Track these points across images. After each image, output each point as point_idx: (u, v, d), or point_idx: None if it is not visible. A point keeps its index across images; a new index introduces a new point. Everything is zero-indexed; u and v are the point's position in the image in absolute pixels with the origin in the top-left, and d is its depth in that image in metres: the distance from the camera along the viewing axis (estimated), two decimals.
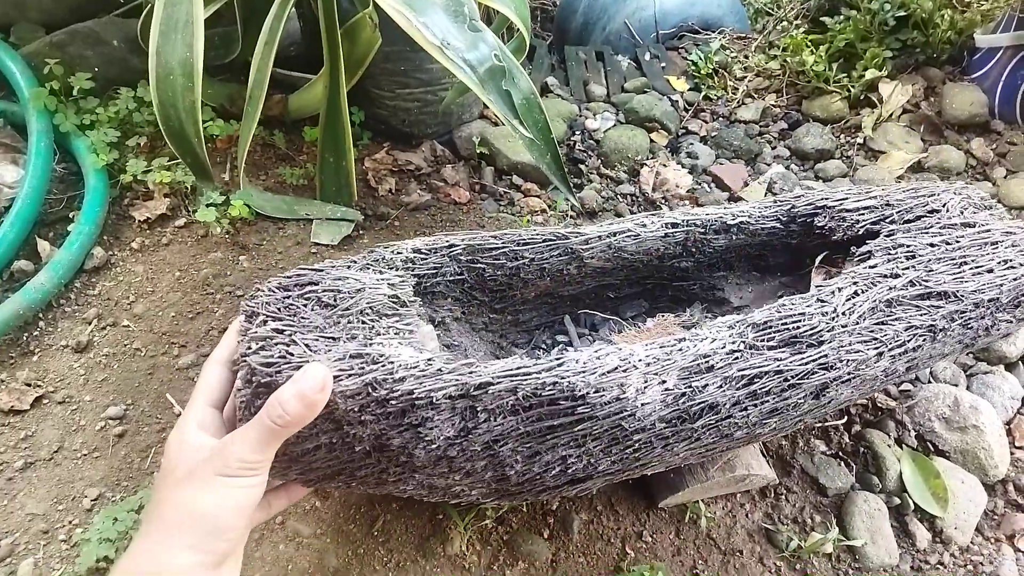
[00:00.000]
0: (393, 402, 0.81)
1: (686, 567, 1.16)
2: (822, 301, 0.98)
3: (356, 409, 0.81)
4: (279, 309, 0.88)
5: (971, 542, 1.24)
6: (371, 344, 0.85)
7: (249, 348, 0.82)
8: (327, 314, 0.89)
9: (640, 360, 0.90)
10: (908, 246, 1.03)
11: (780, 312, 0.96)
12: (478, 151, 1.71)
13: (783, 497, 1.26)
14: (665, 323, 1.13)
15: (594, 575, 1.13)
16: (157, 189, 1.53)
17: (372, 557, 1.12)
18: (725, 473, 1.16)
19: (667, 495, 1.17)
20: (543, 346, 1.18)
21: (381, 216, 1.59)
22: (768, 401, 0.96)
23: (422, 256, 1.03)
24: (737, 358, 0.93)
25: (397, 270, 1.00)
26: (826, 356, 0.95)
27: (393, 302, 0.93)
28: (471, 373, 0.84)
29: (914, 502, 1.25)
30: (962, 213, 1.08)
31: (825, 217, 1.12)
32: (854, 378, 1.00)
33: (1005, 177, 1.80)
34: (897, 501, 1.25)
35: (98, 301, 1.40)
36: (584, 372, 0.87)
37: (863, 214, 1.10)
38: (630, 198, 1.71)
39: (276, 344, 0.82)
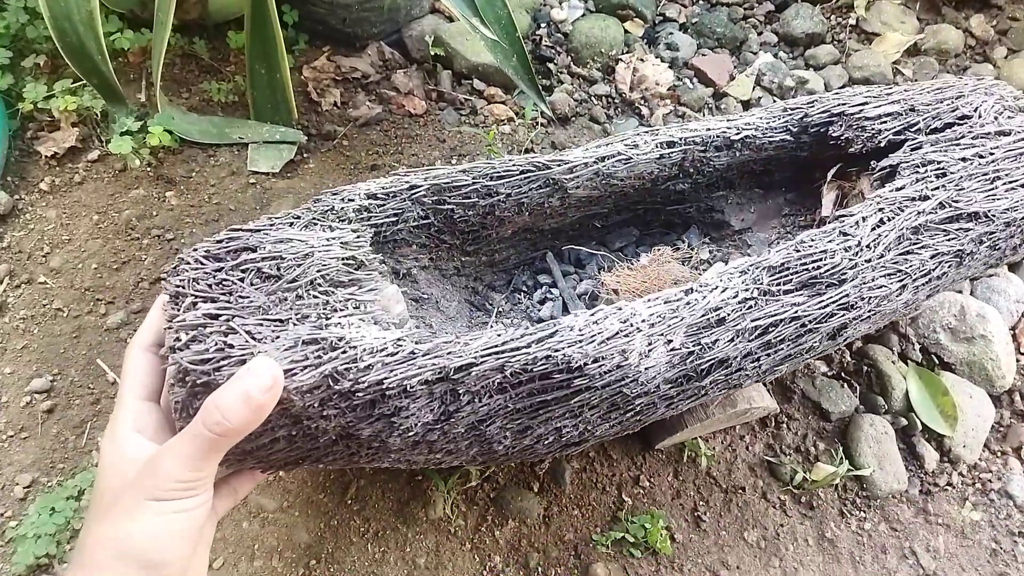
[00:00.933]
0: (360, 394, 0.68)
1: (687, 510, 1.09)
2: (845, 234, 0.85)
3: (316, 404, 0.68)
4: (210, 286, 0.72)
5: (979, 459, 1.19)
6: (327, 325, 0.71)
7: (178, 340, 0.67)
8: (270, 289, 0.74)
9: (643, 321, 0.78)
10: (938, 163, 0.90)
11: (799, 251, 0.83)
12: (432, 52, 1.50)
13: (784, 426, 1.18)
14: (661, 257, 1.00)
15: (590, 528, 1.06)
16: (63, 117, 1.31)
17: (347, 528, 1.02)
18: (726, 409, 1.06)
19: (664, 437, 1.08)
20: (524, 288, 1.05)
21: (327, 135, 1.39)
22: (782, 349, 0.86)
23: (379, 202, 0.87)
24: (751, 307, 0.81)
25: (350, 223, 0.84)
26: (847, 296, 0.84)
27: (348, 266, 0.79)
28: (449, 354, 0.71)
29: (922, 422, 1.18)
30: (996, 119, 0.95)
31: (841, 126, 0.98)
32: (874, 314, 0.90)
33: (1007, 57, 1.66)
34: (904, 422, 1.19)
35: (7, 255, 1.21)
36: (581, 342, 0.75)
37: (885, 122, 0.96)
38: (606, 100, 1.53)
39: (211, 334, 0.68)
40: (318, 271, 0.77)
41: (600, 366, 0.76)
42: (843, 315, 0.87)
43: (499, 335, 0.75)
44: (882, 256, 0.86)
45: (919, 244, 0.88)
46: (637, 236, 1.08)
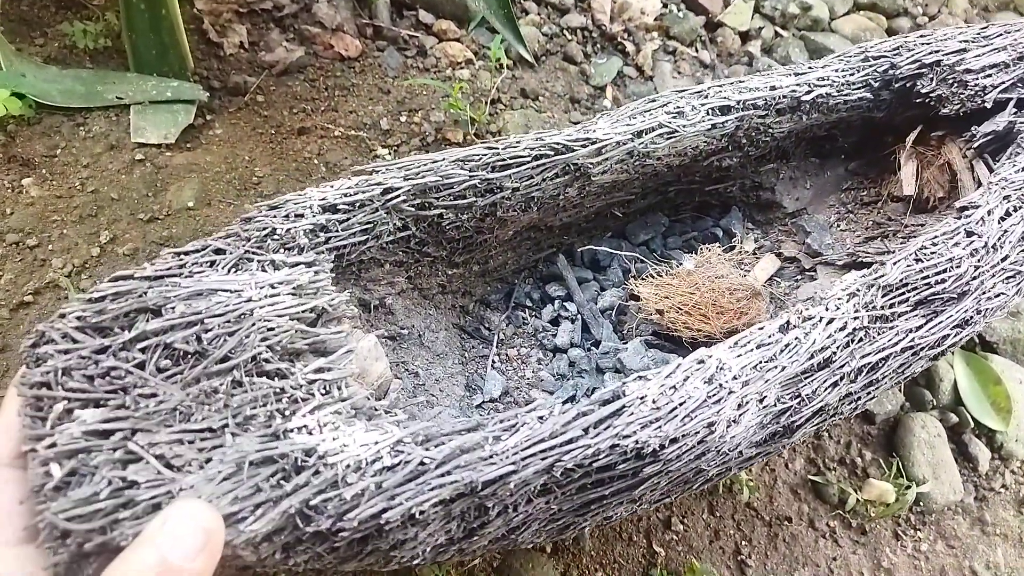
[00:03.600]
0: (345, 533, 0.44)
1: (728, 553, 0.90)
2: (971, 234, 0.65)
3: (278, 553, 0.44)
4: (93, 380, 0.47)
5: None
6: (286, 430, 0.46)
7: (47, 478, 0.42)
8: (189, 377, 0.49)
9: (734, 378, 0.56)
10: None
11: (921, 261, 0.62)
12: None
13: (825, 435, 1.00)
14: (709, 260, 0.76)
15: None
16: None
17: None
18: None
19: None
20: (528, 303, 0.80)
21: (235, 89, 1.07)
22: (884, 384, 0.66)
23: (340, 216, 0.59)
24: (861, 341, 0.61)
25: (301, 251, 0.57)
26: (966, 311, 0.65)
27: (306, 321, 0.53)
28: (476, 462, 0.47)
29: (972, 417, 1.03)
30: None
31: (933, 79, 0.76)
32: (981, 325, 0.71)
33: None
34: (954, 418, 1.03)
35: None
36: (658, 420, 0.52)
37: (990, 75, 0.74)
38: (581, 34, 1.25)
39: (100, 464, 0.43)
40: (262, 339, 0.51)
41: (680, 446, 0.54)
42: (957, 334, 0.67)
43: (543, 418, 0.52)
44: (1006, 258, 0.67)
45: None
46: (666, 225, 0.84)
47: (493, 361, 0.74)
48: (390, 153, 1.07)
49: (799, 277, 0.84)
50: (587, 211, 0.78)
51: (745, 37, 1.30)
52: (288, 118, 1.07)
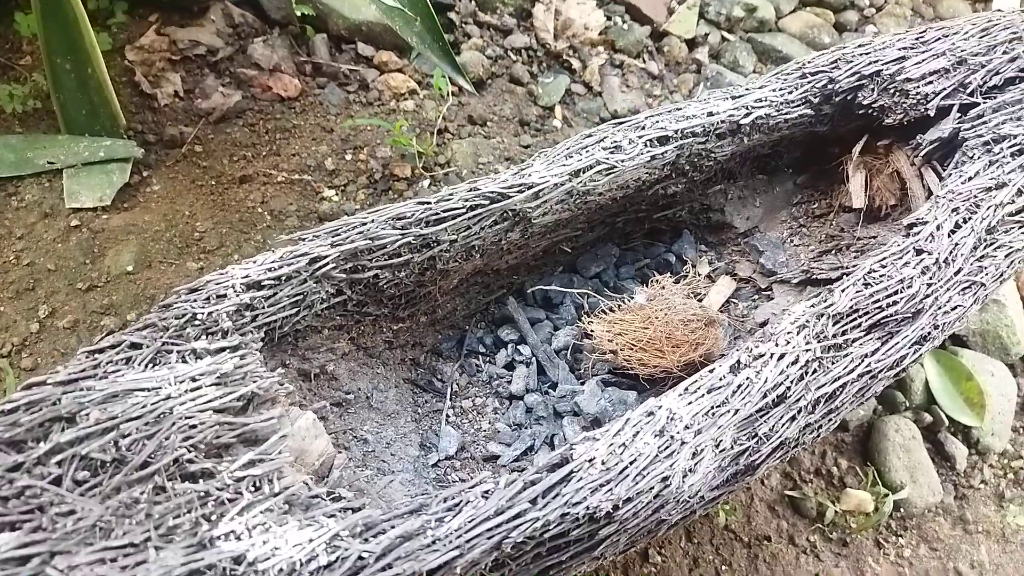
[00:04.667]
0: None
1: None
2: (921, 252, 0.63)
3: None
4: (6, 500, 0.44)
5: (1009, 442, 1.05)
6: (213, 536, 0.43)
7: None
8: (109, 488, 0.46)
9: (686, 428, 0.55)
10: (1014, 136, 0.69)
11: (871, 285, 0.61)
12: (297, 11, 1.15)
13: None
14: (662, 292, 0.75)
15: None
16: None
17: None
18: None
19: None
20: (482, 349, 0.78)
21: (171, 141, 1.04)
22: (845, 409, 0.65)
23: (266, 292, 0.57)
24: (815, 372, 0.59)
25: (225, 335, 0.55)
26: (922, 329, 0.64)
27: (233, 412, 0.51)
28: (419, 550, 0.45)
29: (946, 415, 1.02)
30: None
31: (874, 90, 0.74)
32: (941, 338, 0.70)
33: None
34: (928, 418, 1.02)
35: None
36: (609, 482, 0.50)
37: (931, 82, 0.73)
38: (526, 53, 1.23)
39: None
40: (184, 439, 0.49)
41: (635, 505, 0.53)
42: (916, 352, 0.66)
43: (487, 494, 0.50)
44: (959, 271, 0.65)
45: (995, 244, 0.68)
46: (617, 255, 0.83)
47: (447, 416, 0.71)
48: (337, 194, 1.05)
49: (756, 297, 0.82)
50: (534, 250, 0.76)
51: (692, 44, 1.28)
52: (228, 167, 1.04)
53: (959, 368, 1.03)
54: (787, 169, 0.85)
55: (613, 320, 0.73)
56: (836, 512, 0.93)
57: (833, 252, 0.81)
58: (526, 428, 0.71)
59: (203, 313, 0.54)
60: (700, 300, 0.82)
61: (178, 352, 0.53)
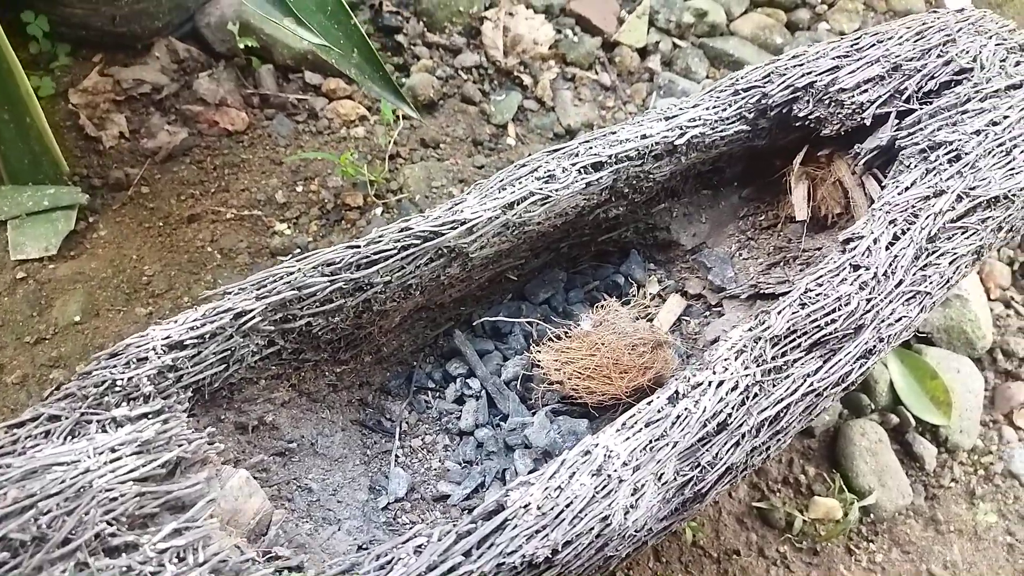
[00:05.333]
0: None
1: None
2: (857, 267, 0.63)
3: None
4: None
5: (978, 437, 1.05)
6: None
7: None
8: (29, 569, 0.45)
9: (623, 464, 0.54)
10: (950, 143, 0.68)
11: (807, 305, 0.60)
12: (242, 44, 1.14)
13: None
14: (607, 316, 0.74)
15: None
16: None
17: None
18: None
19: None
20: (431, 384, 0.77)
21: (117, 184, 1.03)
22: (794, 427, 0.64)
23: (189, 352, 0.56)
24: (756, 397, 0.58)
25: (148, 400, 0.54)
26: (865, 344, 0.63)
27: (157, 480, 0.50)
28: None
29: (913, 415, 1.01)
30: (1002, 68, 0.73)
31: (810, 102, 0.74)
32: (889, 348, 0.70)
33: None
34: (895, 420, 1.02)
35: None
36: (545, 528, 0.49)
37: (866, 91, 0.72)
38: (477, 72, 1.22)
39: None
40: (104, 512, 0.47)
41: (575, 548, 0.52)
42: (862, 366, 0.65)
43: (420, 549, 0.49)
44: (900, 283, 0.65)
45: (937, 252, 0.68)
46: (565, 279, 0.82)
47: (396, 456, 0.70)
48: (289, 227, 1.04)
49: (707, 314, 0.82)
50: (478, 281, 0.75)
51: (643, 53, 1.28)
52: (176, 206, 1.03)
53: (923, 367, 1.02)
54: (733, 183, 0.85)
55: (560, 348, 0.72)
56: (805, 521, 0.93)
57: (781, 264, 0.80)
58: (476, 464, 0.70)
59: (123, 378, 0.53)
60: (651, 320, 0.81)
61: (98, 422, 0.51)
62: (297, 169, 1.09)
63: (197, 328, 0.56)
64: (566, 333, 0.74)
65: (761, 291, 0.77)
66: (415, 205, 1.07)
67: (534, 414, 0.73)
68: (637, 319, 0.78)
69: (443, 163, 1.13)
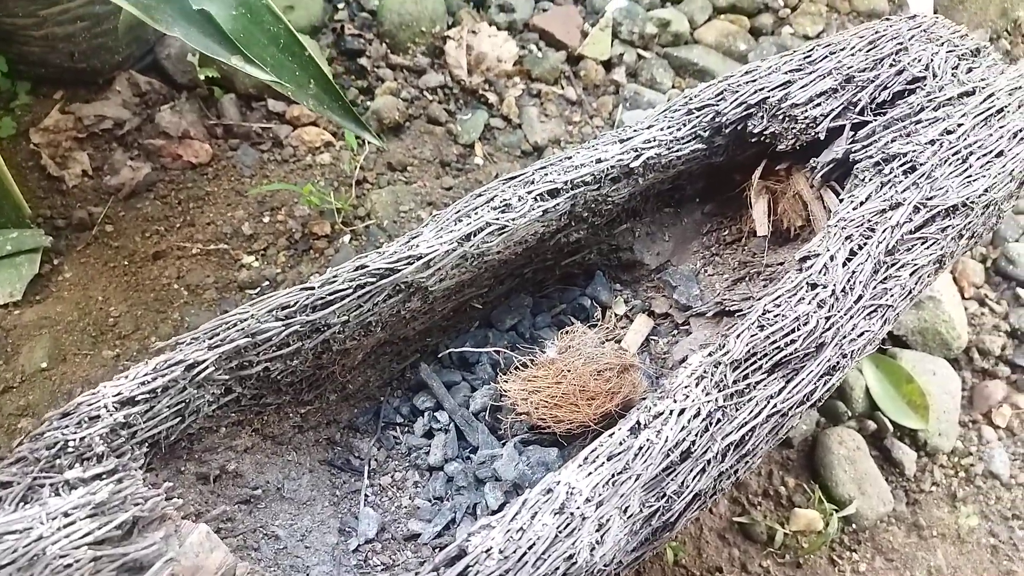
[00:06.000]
0: None
1: None
2: (815, 286, 0.62)
3: None
4: None
5: (957, 439, 1.04)
6: None
7: None
8: None
9: (586, 501, 0.53)
10: (904, 155, 0.68)
11: (765, 327, 0.60)
12: (203, 75, 1.13)
13: None
14: (572, 341, 0.73)
15: None
16: None
17: None
18: None
19: None
20: (399, 419, 0.76)
21: (81, 224, 1.02)
22: (761, 449, 0.64)
23: (142, 408, 0.55)
24: (719, 422, 0.58)
25: (101, 459, 0.53)
26: (828, 361, 0.63)
27: (113, 542, 0.49)
28: None
29: (891, 420, 1.01)
30: (954, 75, 0.73)
31: (763, 118, 0.73)
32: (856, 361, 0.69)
33: None
34: (872, 426, 1.01)
35: None
36: (508, 572, 0.49)
37: (819, 105, 0.72)
38: (442, 92, 1.22)
39: None
40: None
41: None
42: (826, 383, 0.65)
43: None
44: (860, 298, 0.65)
45: (897, 264, 0.67)
46: (531, 304, 0.81)
47: (366, 496, 0.70)
48: (257, 259, 1.03)
49: (675, 332, 0.81)
50: (441, 313, 0.75)
51: (608, 66, 1.27)
52: (141, 244, 1.02)
53: (898, 371, 1.02)
54: (694, 199, 0.84)
55: (526, 377, 0.72)
56: (786, 534, 0.92)
57: (746, 279, 0.80)
58: (447, 501, 0.69)
59: (75, 439, 0.52)
60: (619, 342, 0.80)
61: (51, 485, 0.51)
62: (263, 200, 1.08)
63: (148, 383, 0.55)
64: (532, 361, 0.73)
65: (726, 308, 0.77)
66: (383, 231, 1.07)
67: (504, 445, 0.72)
68: (604, 342, 0.77)
69: (411, 186, 1.13)
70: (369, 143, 1.15)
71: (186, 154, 1.10)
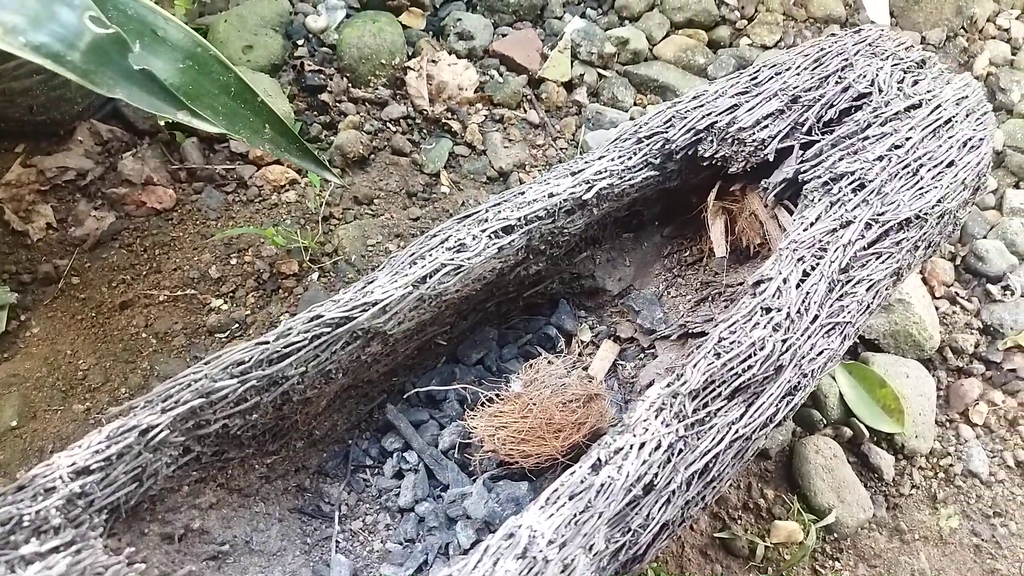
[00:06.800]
0: None
1: None
2: (769, 310, 0.63)
3: None
4: None
5: (935, 440, 1.05)
6: None
7: None
8: None
9: (549, 543, 0.53)
10: (852, 173, 0.69)
11: (721, 355, 0.60)
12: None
13: None
14: (537, 374, 0.73)
15: None
16: None
17: None
18: None
19: None
20: (369, 461, 0.76)
21: (47, 278, 1.01)
22: (727, 474, 0.64)
23: (98, 476, 0.55)
24: (681, 453, 0.58)
25: (58, 532, 0.52)
26: (788, 382, 0.63)
27: None
28: None
29: (866, 426, 1.02)
30: (900, 89, 0.74)
31: (713, 142, 0.74)
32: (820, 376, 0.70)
33: None
34: (848, 433, 1.02)
35: None
36: None
37: (766, 127, 0.73)
38: (406, 123, 1.22)
39: None
40: None
41: None
42: (788, 403, 0.65)
43: None
44: (816, 317, 0.65)
45: (852, 281, 0.68)
46: (497, 336, 0.81)
47: (337, 542, 0.69)
48: (225, 302, 1.03)
49: (641, 356, 0.81)
50: (404, 353, 0.75)
51: (569, 87, 1.28)
52: (108, 294, 1.01)
53: (871, 376, 1.03)
54: (653, 223, 0.85)
55: (492, 413, 0.72)
56: (768, 547, 0.93)
57: (708, 300, 0.80)
58: (418, 542, 0.69)
59: (30, 513, 0.52)
60: (586, 369, 0.81)
61: (7, 562, 0.50)
62: (229, 242, 1.08)
63: (103, 451, 0.55)
64: (498, 396, 0.73)
65: (690, 330, 0.77)
66: (352, 266, 1.07)
67: (474, 482, 0.72)
68: (571, 370, 0.77)
69: (378, 219, 1.13)
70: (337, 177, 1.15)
71: (150, 200, 1.10)
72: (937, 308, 1.15)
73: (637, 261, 0.83)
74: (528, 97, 1.27)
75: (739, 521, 0.96)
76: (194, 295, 1.03)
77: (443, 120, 1.22)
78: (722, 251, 0.77)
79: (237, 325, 1.00)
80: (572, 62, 1.29)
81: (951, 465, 1.04)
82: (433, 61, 1.25)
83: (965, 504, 1.02)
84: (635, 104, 1.26)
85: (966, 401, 1.09)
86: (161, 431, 0.56)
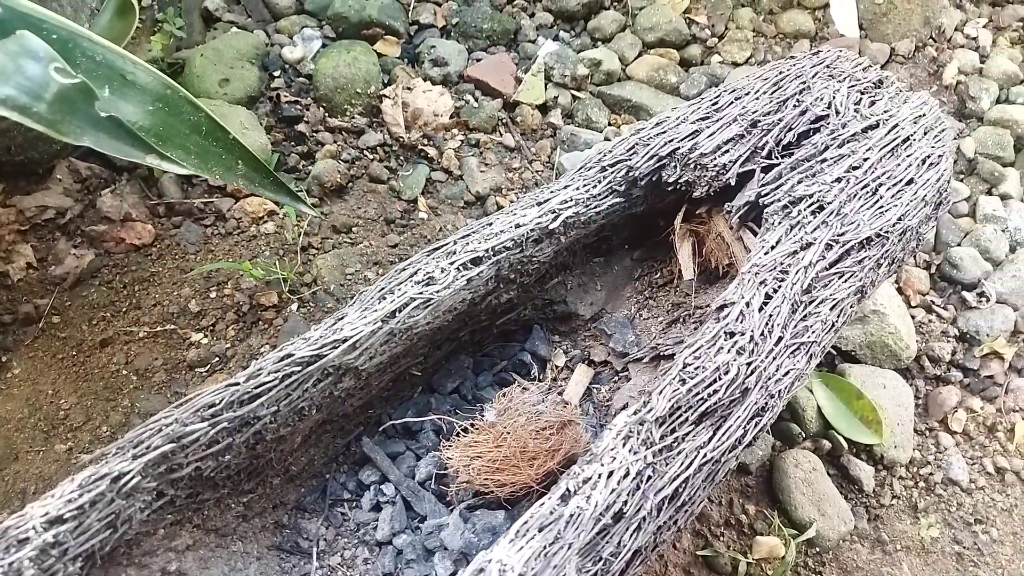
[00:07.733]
0: None
1: None
2: (732, 334, 0.64)
3: None
4: None
5: (914, 449, 1.06)
6: None
7: None
8: None
9: (519, 575, 0.53)
10: (811, 196, 0.70)
11: (686, 381, 0.61)
12: None
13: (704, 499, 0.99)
14: (511, 404, 0.74)
15: None
16: None
17: None
18: None
19: None
20: (347, 494, 0.76)
21: (27, 318, 1.02)
22: (699, 497, 0.65)
23: (72, 525, 0.55)
24: (650, 480, 0.59)
25: None
26: (755, 404, 0.64)
27: None
28: None
29: (845, 439, 1.03)
30: (857, 110, 0.75)
31: (676, 168, 0.75)
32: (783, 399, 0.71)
33: None
34: (827, 445, 1.03)
35: None
36: None
37: (727, 151, 0.74)
38: (382, 150, 1.23)
39: None
40: None
41: None
42: (757, 424, 0.66)
43: None
44: (780, 339, 0.66)
45: (816, 301, 0.69)
46: (472, 365, 0.82)
47: None
48: (206, 336, 1.03)
49: (616, 379, 0.82)
50: (378, 386, 0.75)
51: (544, 109, 1.29)
52: (88, 332, 1.02)
53: (848, 388, 1.04)
54: (623, 247, 0.86)
55: (467, 443, 0.72)
56: (750, 563, 0.93)
57: (679, 322, 0.81)
58: None
59: (3, 565, 0.52)
60: (561, 393, 0.81)
61: None
62: (209, 275, 1.09)
63: (75, 500, 0.55)
64: (472, 425, 0.74)
65: (661, 352, 0.78)
66: (331, 295, 1.07)
67: (452, 512, 0.73)
68: (546, 396, 0.78)
69: (356, 247, 1.14)
70: (312, 207, 1.16)
71: (129, 237, 1.11)
72: (913, 317, 1.16)
73: (608, 285, 0.85)
74: (503, 121, 1.28)
75: (721, 538, 0.96)
76: (174, 330, 1.03)
77: (419, 146, 1.23)
78: (690, 273, 0.78)
79: (217, 359, 1.01)
80: (546, 85, 1.31)
81: (931, 474, 1.05)
82: (408, 88, 1.26)
83: (946, 512, 1.03)
84: (609, 124, 1.28)
85: (944, 409, 1.10)
86: (133, 477, 0.57)
